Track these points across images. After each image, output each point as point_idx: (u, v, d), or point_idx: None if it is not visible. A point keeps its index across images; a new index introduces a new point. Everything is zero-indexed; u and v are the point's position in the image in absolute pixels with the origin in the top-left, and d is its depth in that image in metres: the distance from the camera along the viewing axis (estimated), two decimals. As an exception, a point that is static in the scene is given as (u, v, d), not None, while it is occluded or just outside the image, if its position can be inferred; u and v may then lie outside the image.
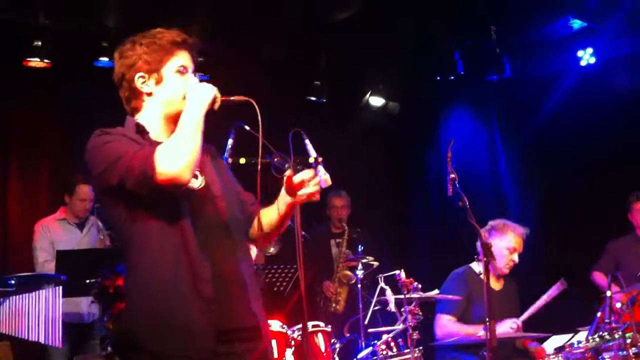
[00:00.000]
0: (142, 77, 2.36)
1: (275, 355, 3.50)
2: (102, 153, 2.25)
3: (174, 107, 2.35)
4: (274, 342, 3.51)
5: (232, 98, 2.34)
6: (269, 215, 2.48)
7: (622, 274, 5.38)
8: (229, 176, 2.53)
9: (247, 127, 2.50)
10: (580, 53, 6.85)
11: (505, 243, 4.72)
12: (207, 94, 2.29)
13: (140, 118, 2.38)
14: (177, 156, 2.16)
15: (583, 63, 6.86)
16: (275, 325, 3.55)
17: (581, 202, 6.83)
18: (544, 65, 7.04)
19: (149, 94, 2.37)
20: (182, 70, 2.38)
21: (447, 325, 4.58)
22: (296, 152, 3.47)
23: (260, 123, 2.33)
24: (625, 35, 6.60)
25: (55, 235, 4.97)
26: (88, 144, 2.30)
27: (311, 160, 3.65)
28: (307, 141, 3.68)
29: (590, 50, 6.82)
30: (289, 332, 3.63)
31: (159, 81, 2.36)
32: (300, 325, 3.67)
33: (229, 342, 2.23)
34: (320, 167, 3.62)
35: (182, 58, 2.39)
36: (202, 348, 2.18)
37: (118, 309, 3.27)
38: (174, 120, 2.32)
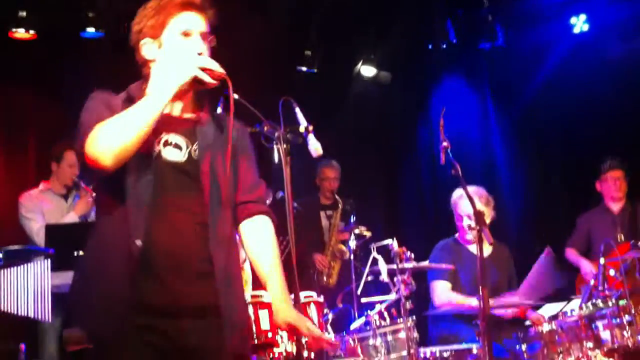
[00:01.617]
0: (146, 42, 2.26)
1: (267, 327, 3.47)
2: (80, 118, 2.20)
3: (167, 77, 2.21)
4: (265, 313, 3.48)
5: (206, 80, 2.17)
6: (259, 267, 2.34)
7: (594, 248, 5.37)
8: (237, 158, 2.33)
9: (235, 96, 2.38)
10: (573, 20, 6.79)
11: (457, 211, 4.70)
12: (180, 73, 2.13)
13: (149, 87, 2.28)
14: (103, 139, 2.07)
15: (576, 30, 6.81)
16: (266, 296, 3.51)
17: (573, 171, 6.81)
18: (537, 33, 6.97)
19: (153, 60, 2.27)
20: (186, 33, 2.23)
21: (444, 293, 4.59)
22: (286, 121, 3.42)
23: (231, 102, 2.21)
24: (618, 1, 6.53)
25: (43, 204, 4.91)
26: None
27: (302, 129, 3.59)
28: (297, 110, 3.62)
29: (583, 17, 6.76)
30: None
31: (160, 45, 2.25)
32: (291, 296, 3.64)
33: (162, 317, 2.11)
34: (311, 136, 3.57)
35: (186, 20, 2.24)
36: (119, 328, 2.08)
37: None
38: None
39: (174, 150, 2.22)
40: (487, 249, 4.85)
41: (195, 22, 2.25)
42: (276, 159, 2.76)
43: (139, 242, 2.09)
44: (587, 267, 5.57)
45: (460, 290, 4.61)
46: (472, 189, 4.75)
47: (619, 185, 5.74)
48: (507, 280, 4.81)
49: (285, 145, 2.77)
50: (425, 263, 4.47)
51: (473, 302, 4.30)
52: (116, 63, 5.88)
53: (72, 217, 4.88)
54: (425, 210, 7.32)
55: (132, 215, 2.12)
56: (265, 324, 3.51)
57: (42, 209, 4.89)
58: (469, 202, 4.59)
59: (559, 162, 7.10)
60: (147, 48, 2.27)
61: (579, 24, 6.77)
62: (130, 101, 2.21)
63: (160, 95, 2.13)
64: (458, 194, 4.71)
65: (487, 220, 4.65)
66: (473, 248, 4.76)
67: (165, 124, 2.20)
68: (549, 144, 7.16)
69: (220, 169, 2.24)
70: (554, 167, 7.04)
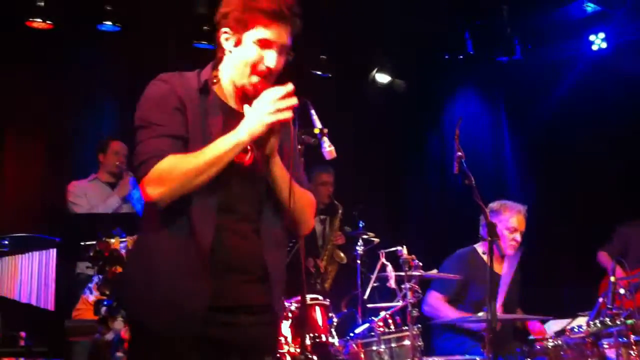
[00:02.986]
0: (226, 32, 2.24)
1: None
2: (138, 109, 2.23)
3: (239, 77, 2.24)
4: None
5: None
6: None
7: (628, 259, 5.35)
8: (288, 161, 2.31)
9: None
10: (592, 37, 6.75)
11: (504, 223, 4.68)
12: (255, 125, 2.12)
13: (220, 71, 2.30)
14: (169, 184, 2.11)
15: (595, 48, 6.77)
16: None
17: (587, 191, 6.74)
18: (555, 48, 6.95)
19: (229, 52, 2.26)
20: (264, 44, 2.20)
21: (435, 304, 4.57)
22: (301, 123, 3.39)
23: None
24: (637, 20, 6.50)
25: (88, 191, 5.19)
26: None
27: (316, 131, 3.57)
28: (312, 112, 3.60)
29: (602, 35, 6.73)
30: (286, 303, 3.57)
31: (237, 43, 2.22)
32: (297, 298, 3.61)
33: (227, 313, 2.19)
34: (325, 139, 3.55)
35: (270, 31, 2.19)
36: (190, 324, 2.14)
37: (113, 273, 3.21)
38: (239, 90, 2.25)
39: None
40: (502, 267, 4.81)
41: (278, 35, 2.21)
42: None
43: (208, 246, 2.15)
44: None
45: (466, 303, 4.57)
46: (510, 203, 4.75)
47: None
48: (517, 300, 4.78)
49: (300, 147, 2.80)
50: (434, 271, 4.43)
51: (457, 314, 4.27)
52: (131, 58, 5.96)
53: (114, 199, 5.16)
54: (432, 219, 7.27)
55: (199, 216, 2.16)
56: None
57: (87, 195, 5.14)
58: (518, 216, 4.63)
59: (573, 180, 7.02)
60: (225, 37, 2.25)
61: (598, 41, 6.74)
62: (206, 93, 2.24)
63: (235, 147, 2.13)
64: (502, 205, 4.70)
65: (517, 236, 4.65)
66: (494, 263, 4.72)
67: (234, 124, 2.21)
68: (562, 161, 7.09)
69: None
70: (567, 185, 6.96)
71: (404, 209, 7.38)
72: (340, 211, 5.94)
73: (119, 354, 3.08)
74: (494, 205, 4.78)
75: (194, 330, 2.15)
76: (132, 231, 3.31)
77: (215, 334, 2.18)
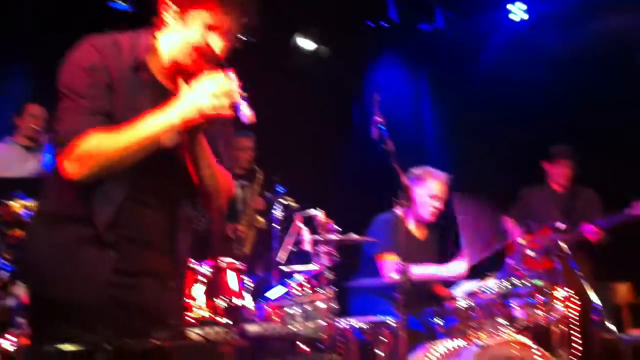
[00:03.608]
0: (170, 5, 2.15)
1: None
2: (65, 73, 2.13)
3: (179, 54, 2.16)
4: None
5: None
6: None
7: (531, 222, 5.53)
8: (214, 144, 2.27)
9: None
10: (511, 7, 6.87)
11: (426, 190, 4.75)
12: (192, 107, 2.04)
13: (157, 40, 2.20)
14: (90, 164, 2.05)
15: (515, 19, 6.89)
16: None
17: (503, 160, 6.90)
18: (477, 19, 7.03)
19: (169, 25, 2.17)
20: (211, 27, 2.12)
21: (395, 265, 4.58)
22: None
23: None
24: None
25: (4, 153, 5.09)
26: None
27: (234, 94, 3.51)
28: (230, 74, 3.53)
29: (522, 5, 6.85)
30: (199, 267, 3.53)
31: (182, 20, 2.13)
32: (210, 261, 3.58)
33: (131, 277, 2.18)
34: (244, 103, 3.50)
35: (219, 16, 2.12)
36: (94, 289, 2.12)
37: (14, 237, 3.10)
38: (175, 68, 2.17)
39: None
40: (422, 233, 4.89)
41: (226, 20, 2.14)
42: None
43: (114, 213, 2.11)
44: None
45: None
46: (433, 170, 4.80)
47: (567, 174, 5.92)
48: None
49: None
50: (353, 236, 4.45)
51: (420, 271, 4.30)
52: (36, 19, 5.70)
53: (32, 164, 4.99)
54: (358, 185, 7.32)
55: (110, 187, 2.11)
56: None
57: (3, 158, 5.03)
58: (440, 184, 4.67)
59: (489, 149, 7.16)
60: (169, 10, 2.16)
61: (517, 12, 6.86)
62: (137, 71, 2.15)
63: (166, 130, 2.06)
64: (425, 171, 4.74)
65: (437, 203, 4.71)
66: (412, 227, 4.79)
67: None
68: (481, 131, 7.22)
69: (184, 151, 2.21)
70: (484, 154, 7.10)
71: (328, 175, 7.39)
72: (260, 176, 5.91)
73: (20, 319, 2.99)
74: (416, 171, 4.83)
75: (97, 295, 2.11)
76: (35, 195, 3.20)
77: (119, 297, 2.16)
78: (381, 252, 4.65)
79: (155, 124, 2.06)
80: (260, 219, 5.82)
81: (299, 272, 4.12)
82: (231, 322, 3.38)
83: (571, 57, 6.33)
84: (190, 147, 2.18)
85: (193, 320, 3.22)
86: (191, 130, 2.13)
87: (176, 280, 2.33)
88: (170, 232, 2.27)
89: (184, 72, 2.17)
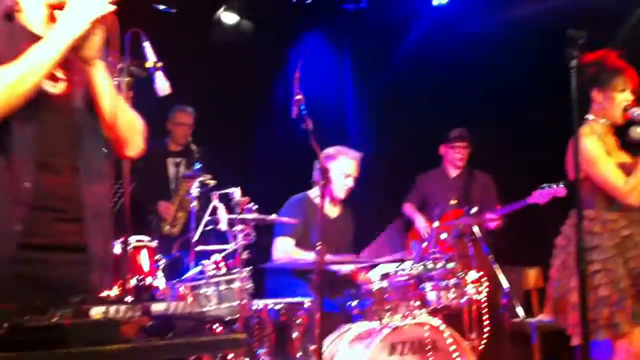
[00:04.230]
0: None
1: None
2: None
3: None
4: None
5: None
6: None
7: (428, 206, 5.64)
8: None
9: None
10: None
11: (339, 168, 4.76)
12: (76, 22, 1.98)
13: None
14: None
15: (435, 2, 6.96)
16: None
17: (423, 143, 6.98)
18: (400, 1, 7.05)
19: None
20: None
21: (284, 248, 4.58)
22: (134, 56, 3.18)
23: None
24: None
25: None
26: None
27: (149, 64, 3.38)
28: (146, 44, 3.39)
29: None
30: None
31: None
32: (121, 240, 3.46)
33: (38, 251, 2.10)
34: (159, 73, 3.37)
35: None
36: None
37: None
38: (51, 9, 2.07)
39: (48, 82, 2.08)
40: (335, 211, 4.91)
41: None
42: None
43: (27, 185, 2.04)
44: (421, 222, 5.88)
45: (308, 247, 4.61)
46: (346, 149, 4.81)
47: (462, 155, 6.02)
48: (349, 244, 4.89)
49: (127, 79, 2.66)
50: (272, 216, 4.42)
51: (309, 257, 4.32)
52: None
53: None
54: (279, 164, 7.26)
55: (19, 156, 2.03)
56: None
57: None
58: (352, 162, 4.68)
59: (414, 131, 7.22)
60: None
61: (439, -3, 6.91)
62: (9, 19, 2.06)
63: (58, 50, 1.99)
64: (338, 150, 4.74)
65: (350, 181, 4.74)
66: (327, 205, 4.80)
67: None
68: (402, 113, 7.28)
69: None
70: (409, 137, 7.16)
71: (249, 153, 7.30)
72: (196, 154, 5.70)
73: None
74: (330, 150, 4.85)
75: (3, 271, 2.03)
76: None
77: (27, 272, 2.08)
78: (277, 235, 4.67)
79: (47, 46, 2.00)
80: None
81: (215, 251, 4.06)
82: (136, 301, 3.28)
83: (487, 41, 6.42)
84: (92, 79, 2.13)
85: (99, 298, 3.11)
86: (87, 58, 2.07)
87: (86, 251, 2.21)
88: (78, 195, 2.18)
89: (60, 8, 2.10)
